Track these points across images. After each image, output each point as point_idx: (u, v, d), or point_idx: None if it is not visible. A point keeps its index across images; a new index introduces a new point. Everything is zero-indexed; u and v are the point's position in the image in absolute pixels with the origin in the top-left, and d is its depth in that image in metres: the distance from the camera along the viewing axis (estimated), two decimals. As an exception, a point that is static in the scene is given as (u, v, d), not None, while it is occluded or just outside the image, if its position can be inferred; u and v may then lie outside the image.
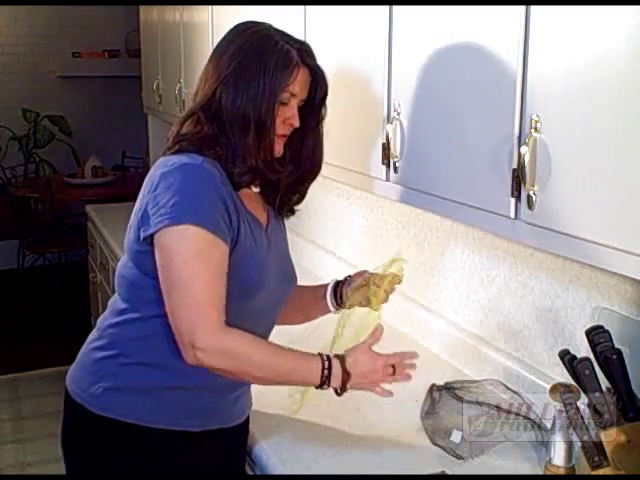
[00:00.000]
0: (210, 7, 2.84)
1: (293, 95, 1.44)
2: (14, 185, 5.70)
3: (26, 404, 4.00)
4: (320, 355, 1.42)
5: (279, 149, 1.47)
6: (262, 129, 1.41)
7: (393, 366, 1.46)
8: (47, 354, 4.39)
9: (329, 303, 1.66)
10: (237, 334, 1.36)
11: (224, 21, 2.63)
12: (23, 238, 5.47)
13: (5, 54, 6.27)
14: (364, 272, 1.66)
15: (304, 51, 1.45)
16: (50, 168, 6.20)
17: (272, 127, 1.42)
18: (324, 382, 1.41)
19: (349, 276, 1.68)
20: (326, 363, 1.40)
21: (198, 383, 1.45)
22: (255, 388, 1.61)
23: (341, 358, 1.43)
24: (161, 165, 1.39)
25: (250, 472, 1.63)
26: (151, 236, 1.36)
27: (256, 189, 1.54)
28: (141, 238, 1.38)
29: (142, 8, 4.23)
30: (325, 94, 1.51)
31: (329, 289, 1.66)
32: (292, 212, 1.63)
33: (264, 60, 1.40)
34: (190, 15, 3.17)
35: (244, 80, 1.40)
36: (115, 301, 1.51)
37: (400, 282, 1.62)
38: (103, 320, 1.53)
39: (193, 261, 1.32)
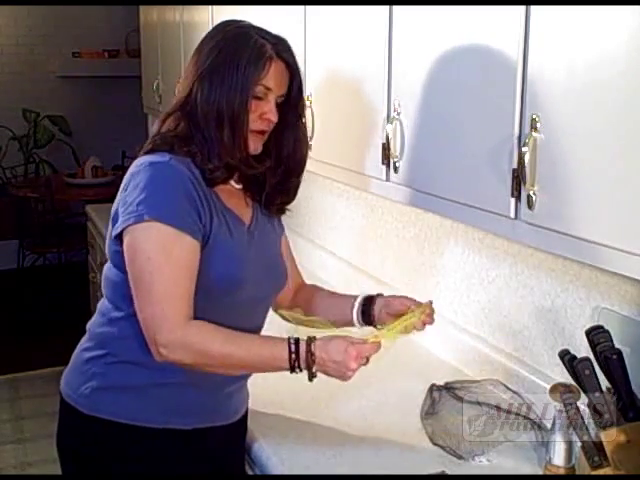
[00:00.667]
0: (210, 7, 2.84)
1: (268, 89, 1.42)
2: (14, 185, 5.70)
3: (26, 404, 4.00)
4: (288, 339, 1.38)
5: (256, 146, 1.45)
6: (235, 124, 1.40)
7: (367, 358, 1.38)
8: (47, 354, 4.38)
9: (355, 319, 1.58)
10: (198, 327, 1.35)
11: (224, 21, 2.63)
12: (23, 238, 5.47)
13: (5, 54, 6.27)
14: (404, 299, 1.56)
15: (280, 45, 1.44)
16: (50, 168, 6.20)
17: (245, 122, 1.40)
18: (294, 365, 1.36)
19: (381, 295, 1.60)
20: (293, 347, 1.36)
21: (186, 380, 1.44)
22: (255, 387, 1.61)
23: (309, 340, 1.37)
24: (133, 166, 1.42)
25: (250, 472, 1.63)
26: (121, 235, 1.38)
27: (238, 186, 1.53)
28: (112, 237, 1.40)
29: (142, 8, 4.23)
30: (300, 88, 1.49)
31: (357, 304, 1.59)
32: (282, 210, 1.61)
33: (238, 55, 1.40)
34: (190, 15, 3.17)
35: (218, 75, 1.40)
36: (102, 302, 1.53)
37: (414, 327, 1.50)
38: (92, 322, 1.54)
39: (156, 257, 1.33)
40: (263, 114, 1.43)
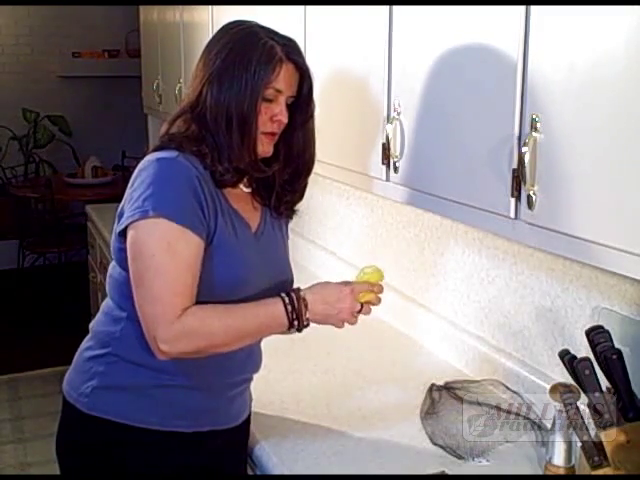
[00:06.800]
0: (210, 7, 2.84)
1: (279, 91, 1.41)
2: (14, 185, 5.70)
3: (26, 404, 4.00)
4: (279, 295, 1.39)
5: (267, 149, 1.45)
6: (244, 127, 1.39)
7: (361, 305, 1.41)
8: (47, 354, 4.39)
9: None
10: (194, 313, 1.34)
11: (224, 21, 2.62)
12: (23, 238, 5.47)
13: (5, 54, 6.28)
14: None
15: (290, 47, 1.43)
16: (50, 168, 6.21)
17: (254, 125, 1.40)
18: (293, 319, 1.38)
19: None
20: (287, 300, 1.38)
21: (187, 383, 1.44)
22: (255, 388, 1.61)
23: (297, 289, 1.40)
24: (141, 163, 1.41)
25: (250, 472, 1.63)
26: (125, 231, 1.36)
27: (247, 189, 1.52)
28: (117, 233, 1.39)
29: (142, 8, 4.23)
30: (310, 89, 1.48)
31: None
32: (291, 212, 1.59)
33: (247, 56, 1.39)
34: (190, 15, 3.17)
35: (227, 77, 1.39)
36: (106, 302, 1.52)
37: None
38: (95, 321, 1.54)
39: (161, 255, 1.32)
40: (274, 116, 1.42)
